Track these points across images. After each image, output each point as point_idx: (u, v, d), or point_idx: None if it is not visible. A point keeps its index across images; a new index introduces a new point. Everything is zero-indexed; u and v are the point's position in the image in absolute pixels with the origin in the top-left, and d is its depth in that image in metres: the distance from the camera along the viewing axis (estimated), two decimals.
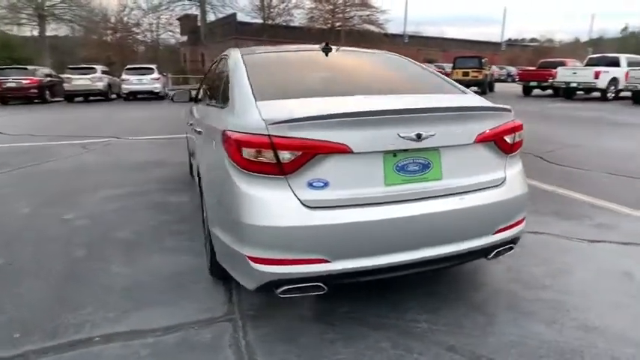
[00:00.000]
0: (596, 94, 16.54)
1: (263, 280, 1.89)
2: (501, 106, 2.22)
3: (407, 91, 2.47)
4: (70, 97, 18.17)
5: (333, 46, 2.94)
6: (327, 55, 2.88)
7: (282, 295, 1.92)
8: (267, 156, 1.82)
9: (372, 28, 34.22)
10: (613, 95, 16.23)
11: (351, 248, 1.88)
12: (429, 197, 1.99)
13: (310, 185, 1.86)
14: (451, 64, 22.46)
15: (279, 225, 1.82)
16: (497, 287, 2.56)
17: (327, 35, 34.72)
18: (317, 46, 3.01)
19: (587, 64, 17.46)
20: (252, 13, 34.77)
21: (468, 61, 21.33)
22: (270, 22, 35.10)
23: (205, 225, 2.70)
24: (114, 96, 19.42)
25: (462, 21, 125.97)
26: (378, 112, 1.88)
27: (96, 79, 18.12)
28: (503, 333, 2.11)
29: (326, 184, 1.87)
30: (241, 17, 35.25)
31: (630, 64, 16.38)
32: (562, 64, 18.84)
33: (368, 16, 33.52)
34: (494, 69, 28.32)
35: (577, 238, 3.23)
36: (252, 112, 1.99)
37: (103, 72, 18.85)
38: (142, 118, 12.02)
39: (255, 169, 1.86)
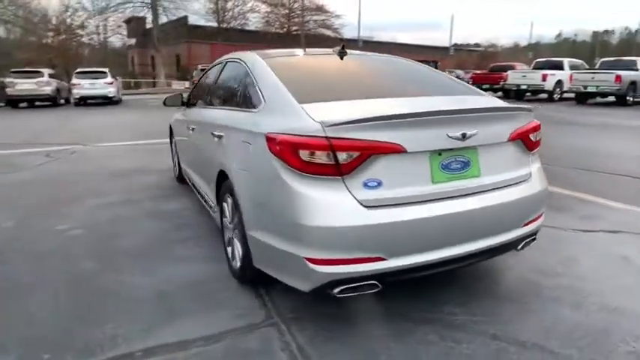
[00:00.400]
0: (544, 95, 17.69)
1: (321, 282, 1.90)
2: (526, 106, 2.36)
3: (435, 92, 2.56)
4: (14, 102, 16.95)
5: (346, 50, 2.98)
6: (342, 58, 2.91)
7: (339, 295, 1.93)
8: (325, 157, 1.83)
9: (328, 32, 34.60)
10: (559, 96, 17.43)
11: (405, 245, 1.93)
12: (470, 194, 2.08)
13: (365, 185, 1.89)
14: None
15: (339, 225, 1.83)
16: (519, 277, 2.70)
17: (284, 39, 34.75)
18: (330, 50, 3.04)
19: (533, 68, 18.64)
20: (207, 16, 34.11)
21: None
22: (225, 25, 34.57)
23: (229, 230, 2.65)
24: (62, 101, 18.35)
25: (411, 26, 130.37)
26: (431, 113, 1.95)
27: (43, 83, 17.00)
28: (537, 319, 2.23)
29: (379, 184, 1.91)
30: (194, 20, 34.46)
31: (572, 67, 17.70)
32: (512, 67, 20.03)
33: (323, 20, 33.87)
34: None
35: (571, 229, 3.47)
36: (301, 115, 1.99)
37: (51, 76, 17.75)
38: (104, 124, 11.47)
39: (313, 170, 1.86)
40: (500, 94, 19.69)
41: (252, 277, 2.43)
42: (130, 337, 2.12)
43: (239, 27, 35.15)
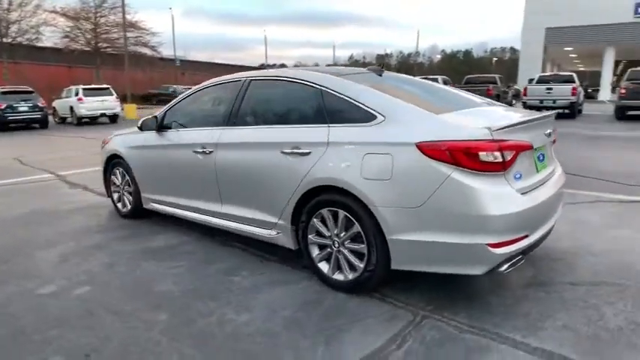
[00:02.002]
0: None
1: (497, 262, 2.22)
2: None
3: (482, 104, 3.11)
4: None
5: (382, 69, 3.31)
6: (380, 75, 3.23)
7: (506, 272, 2.29)
8: (497, 157, 2.19)
9: (144, 50, 32.29)
10: None
11: (535, 223, 2.43)
12: (548, 180, 2.71)
13: (514, 177, 2.32)
14: None
15: (511, 212, 2.20)
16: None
17: (90, 57, 30.92)
18: (365, 69, 3.33)
19: None
20: None
21: None
22: (9, 40, 28.71)
23: (328, 245, 2.67)
24: None
25: (219, 46, 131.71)
26: (541, 118, 2.56)
27: None
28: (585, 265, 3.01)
29: (521, 176, 2.37)
30: None
31: (445, 82, 21.03)
32: None
33: (137, 38, 31.44)
34: None
35: None
36: (447, 124, 2.32)
37: None
38: None
39: (487, 168, 2.19)
40: None
41: (376, 284, 2.56)
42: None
43: (28, 43, 29.71)
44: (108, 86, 19.32)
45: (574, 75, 17.09)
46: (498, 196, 2.21)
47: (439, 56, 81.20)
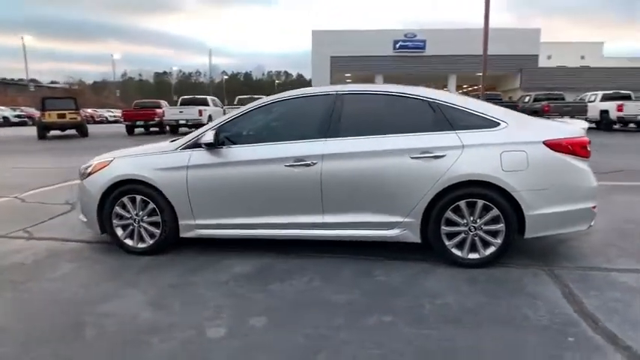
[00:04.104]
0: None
1: (593, 219, 3.26)
2: None
3: None
4: None
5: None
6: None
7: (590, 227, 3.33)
8: (589, 147, 3.22)
9: None
10: None
11: None
12: None
13: None
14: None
15: (597, 184, 3.26)
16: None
17: None
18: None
19: (180, 104, 20.69)
20: None
21: (60, 102, 19.51)
22: None
23: (462, 232, 3.24)
24: None
25: None
26: None
27: None
28: None
29: None
30: None
31: (214, 103, 21.20)
32: (157, 105, 21.30)
33: None
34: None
35: None
36: (557, 127, 3.26)
37: None
38: None
39: (586, 155, 3.20)
40: (157, 129, 20.59)
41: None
42: None
43: None
44: None
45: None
46: (592, 174, 3.25)
47: (226, 77, 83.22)
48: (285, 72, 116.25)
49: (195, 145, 3.60)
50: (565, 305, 2.69)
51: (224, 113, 20.01)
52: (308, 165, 3.36)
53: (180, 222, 3.64)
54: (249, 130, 3.69)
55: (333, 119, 3.45)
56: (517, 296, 2.83)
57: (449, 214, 3.25)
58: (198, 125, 19.53)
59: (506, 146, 3.19)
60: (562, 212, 3.17)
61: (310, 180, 3.37)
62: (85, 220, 3.93)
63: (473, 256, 3.28)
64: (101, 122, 39.62)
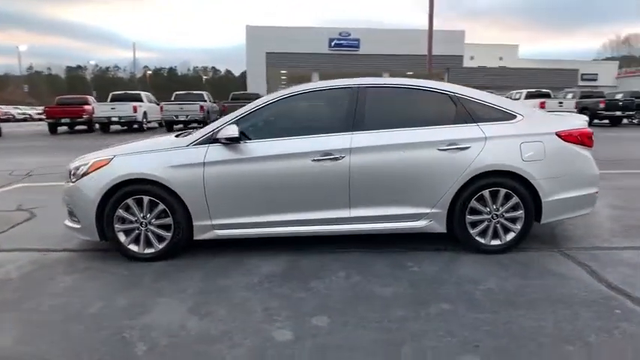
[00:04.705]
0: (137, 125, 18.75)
1: (595, 203, 3.56)
2: None
3: None
4: None
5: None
6: None
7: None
8: (592, 137, 3.51)
9: None
10: (147, 126, 19.16)
11: None
12: None
13: None
14: None
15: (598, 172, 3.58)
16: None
17: None
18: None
19: (111, 100, 19.19)
20: None
21: None
22: None
23: (486, 219, 3.39)
24: None
25: None
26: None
27: None
28: None
29: None
30: None
31: (149, 99, 19.99)
32: (84, 101, 19.59)
33: None
34: None
35: None
36: (565, 119, 3.51)
37: None
38: None
39: (591, 145, 3.48)
40: (85, 127, 18.91)
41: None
42: None
43: None
44: None
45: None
46: (594, 162, 3.55)
47: (150, 72, 78.28)
48: (213, 68, 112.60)
49: (211, 140, 3.38)
50: (594, 282, 2.92)
51: (161, 110, 18.96)
52: (336, 159, 3.30)
53: (195, 223, 3.39)
54: (268, 124, 3.54)
55: (357, 112, 3.42)
56: (547, 277, 3.02)
57: (473, 203, 3.37)
58: (132, 123, 18.31)
59: (524, 137, 3.37)
60: (573, 197, 3.43)
61: (338, 174, 3.31)
62: (76, 226, 3.51)
63: (495, 242, 3.44)
64: (7, 120, 35.51)
